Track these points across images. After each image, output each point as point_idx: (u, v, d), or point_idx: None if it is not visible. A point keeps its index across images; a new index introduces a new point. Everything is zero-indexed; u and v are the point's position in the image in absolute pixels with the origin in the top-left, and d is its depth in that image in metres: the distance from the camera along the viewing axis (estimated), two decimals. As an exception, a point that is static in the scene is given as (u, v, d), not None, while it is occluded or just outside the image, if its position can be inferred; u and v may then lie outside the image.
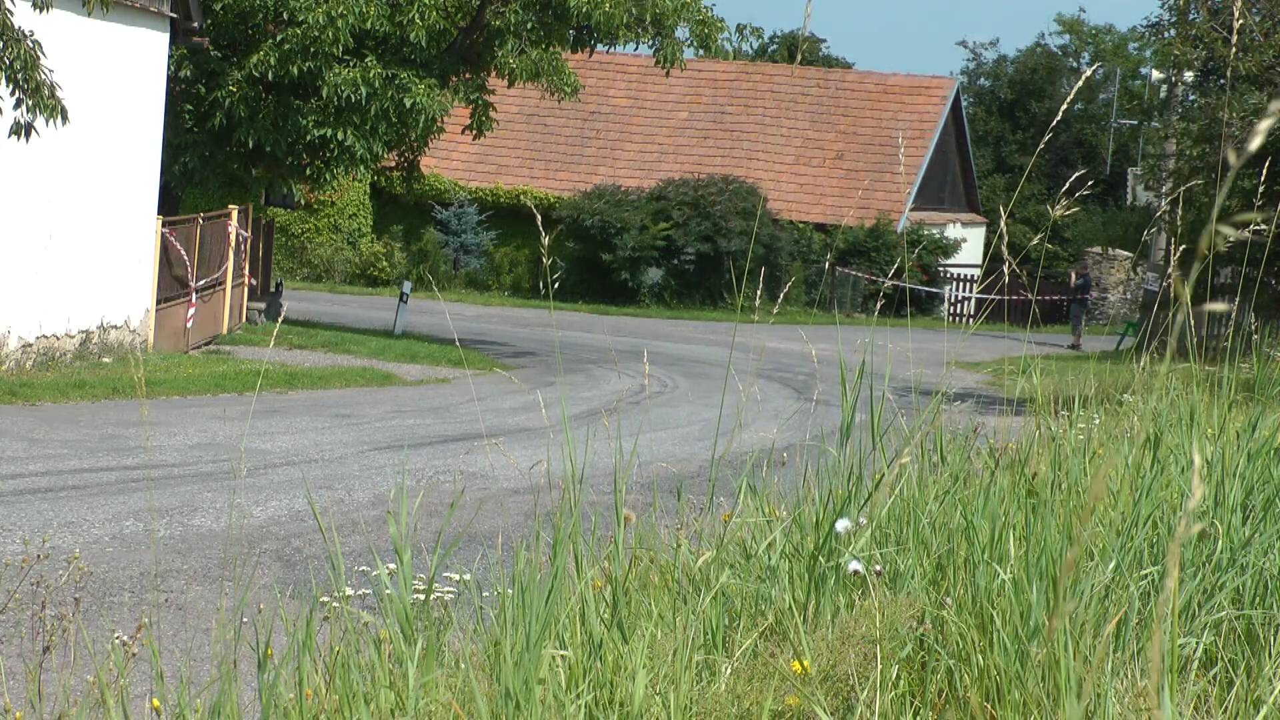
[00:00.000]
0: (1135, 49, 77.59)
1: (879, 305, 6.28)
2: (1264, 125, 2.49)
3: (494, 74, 32.60)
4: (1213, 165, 29.53)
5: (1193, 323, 6.74)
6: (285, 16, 29.41)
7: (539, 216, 5.21)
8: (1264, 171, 6.96)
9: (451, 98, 31.43)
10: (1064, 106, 6.10)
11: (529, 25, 30.89)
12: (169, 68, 27.11)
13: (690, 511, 6.44)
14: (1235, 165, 2.53)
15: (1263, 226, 5.70)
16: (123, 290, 25.16)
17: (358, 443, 17.79)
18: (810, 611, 4.94)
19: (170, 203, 29.80)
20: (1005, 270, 5.90)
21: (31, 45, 17.61)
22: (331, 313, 38.09)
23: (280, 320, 5.65)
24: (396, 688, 4.64)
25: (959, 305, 53.23)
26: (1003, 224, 5.75)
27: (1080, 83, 6.32)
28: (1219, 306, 2.68)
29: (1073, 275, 49.17)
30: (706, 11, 32.18)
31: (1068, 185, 6.35)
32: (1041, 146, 6.17)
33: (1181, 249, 6.40)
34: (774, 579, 5.12)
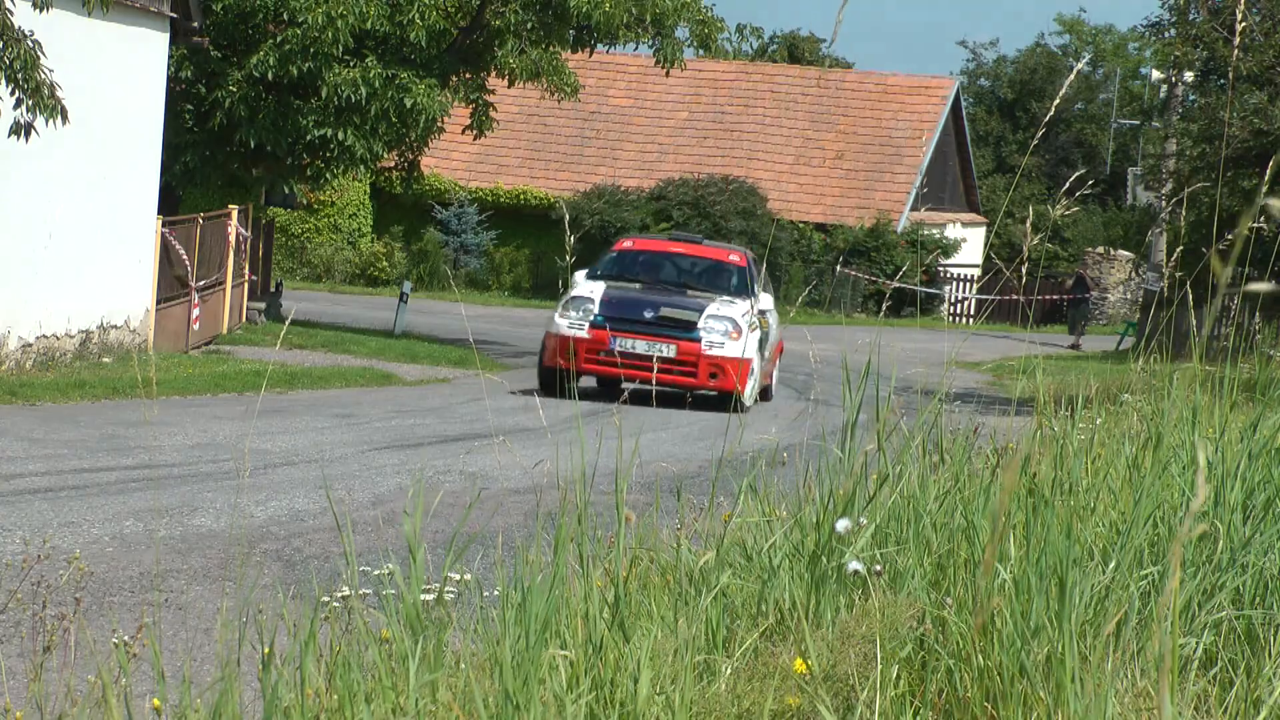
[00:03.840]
0: (1135, 49, 77.57)
1: (885, 305, 6.30)
2: None
3: (494, 74, 32.62)
4: (1213, 165, 29.52)
5: (1194, 321, 6.74)
6: (285, 16, 29.42)
7: (566, 215, 5.18)
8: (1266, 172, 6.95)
9: (451, 98, 31.45)
10: (1056, 102, 6.10)
11: (529, 25, 30.89)
12: (169, 68, 27.11)
13: (690, 511, 6.43)
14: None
15: (1265, 226, 5.71)
16: (123, 290, 25.16)
17: (358, 443, 17.79)
18: (810, 611, 4.94)
19: (170, 203, 29.81)
20: (1009, 272, 5.90)
21: (31, 45, 17.60)
22: (331, 313, 38.10)
23: (289, 320, 5.64)
24: (398, 688, 4.64)
25: (959, 305, 53.25)
26: (1028, 228, 5.70)
27: (1071, 76, 6.32)
28: (1261, 286, 2.62)
29: (1085, 280, 49.33)
30: (706, 11, 32.19)
31: (1068, 185, 6.36)
32: (1034, 144, 6.17)
33: (1180, 249, 6.40)
34: (775, 579, 5.12)
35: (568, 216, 5.41)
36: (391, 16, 29.86)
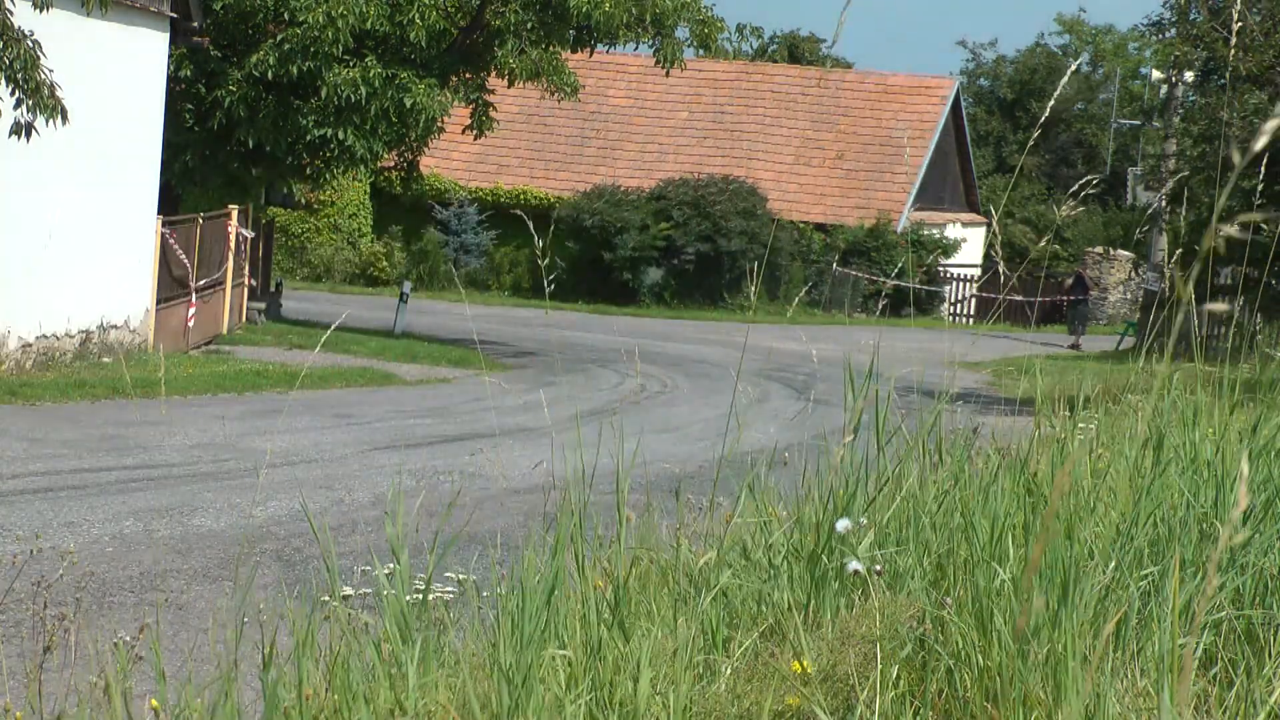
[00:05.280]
0: (1135, 49, 77.57)
1: (883, 305, 6.30)
2: (1270, 125, 2.49)
3: (494, 74, 32.61)
4: (1213, 165, 29.53)
5: (1195, 322, 6.75)
6: (285, 16, 29.41)
7: (544, 219, 5.18)
8: (1263, 170, 6.96)
9: (451, 97, 31.44)
10: (1050, 103, 6.09)
11: (529, 25, 30.89)
12: (169, 67, 27.11)
13: (690, 512, 6.43)
14: (1240, 165, 2.54)
15: (1264, 226, 5.70)
16: (123, 290, 25.16)
17: (358, 442, 17.79)
18: (810, 611, 4.94)
19: (170, 203, 29.80)
20: (1006, 271, 5.90)
21: (31, 45, 17.60)
22: (331, 312, 37.97)
23: (303, 321, 5.64)
24: (396, 688, 4.64)
25: (959, 305, 53.25)
26: (996, 224, 5.72)
27: (1066, 76, 6.32)
28: (1219, 306, 2.68)
29: (1085, 280, 49.43)
30: (706, 11, 32.19)
31: (1074, 189, 6.35)
32: (1031, 144, 6.17)
33: (1180, 250, 6.41)
34: (775, 579, 5.12)
35: (557, 214, 5.37)
36: (391, 16, 29.85)
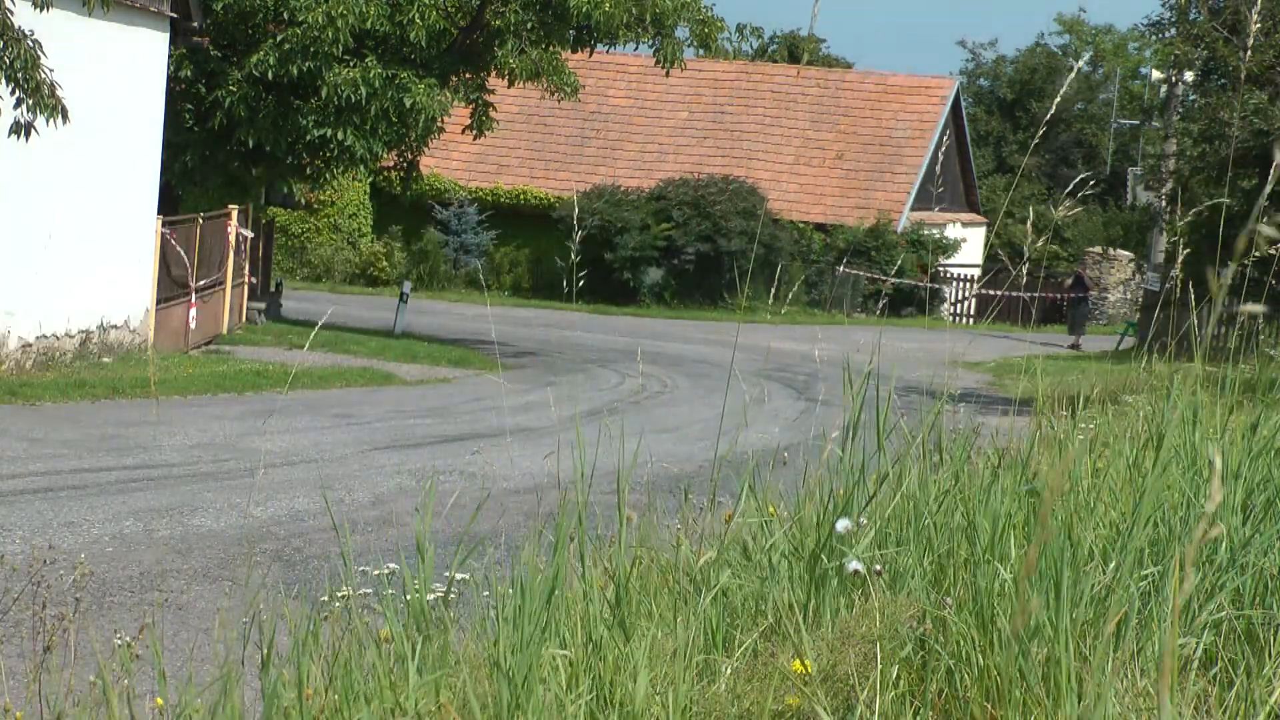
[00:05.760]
0: (1135, 49, 77.57)
1: (883, 304, 6.29)
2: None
3: (494, 74, 32.62)
4: (1213, 165, 29.57)
5: (1195, 322, 6.74)
6: (285, 16, 29.42)
7: (576, 210, 5.17)
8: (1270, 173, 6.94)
9: (451, 97, 31.44)
10: (1056, 100, 6.10)
11: (529, 25, 30.90)
12: (169, 67, 27.12)
13: (691, 511, 6.43)
14: (1275, 175, 2.54)
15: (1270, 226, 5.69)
16: (123, 290, 25.15)
17: (358, 443, 17.79)
18: (810, 611, 4.94)
19: (170, 202, 29.80)
20: (1014, 270, 5.90)
21: (31, 45, 17.61)
22: (332, 312, 37.95)
23: (315, 323, 5.64)
24: (396, 688, 4.64)
25: (959, 305, 53.26)
26: (1029, 228, 5.73)
27: (1071, 75, 6.33)
28: (1256, 308, 2.65)
29: (1084, 279, 49.46)
30: (706, 11, 32.20)
31: (1070, 187, 6.36)
32: (1035, 143, 6.19)
33: (1188, 250, 6.40)
34: (775, 579, 5.12)
35: (576, 212, 5.37)
36: (391, 16, 29.86)
